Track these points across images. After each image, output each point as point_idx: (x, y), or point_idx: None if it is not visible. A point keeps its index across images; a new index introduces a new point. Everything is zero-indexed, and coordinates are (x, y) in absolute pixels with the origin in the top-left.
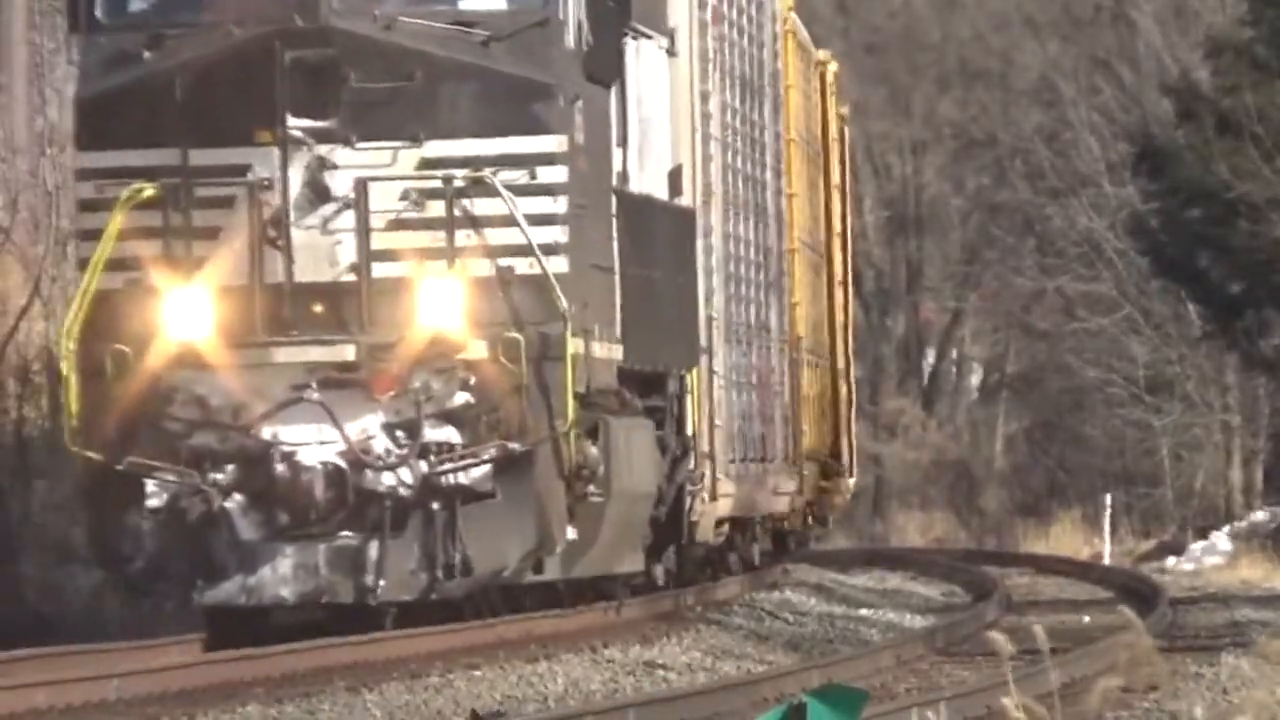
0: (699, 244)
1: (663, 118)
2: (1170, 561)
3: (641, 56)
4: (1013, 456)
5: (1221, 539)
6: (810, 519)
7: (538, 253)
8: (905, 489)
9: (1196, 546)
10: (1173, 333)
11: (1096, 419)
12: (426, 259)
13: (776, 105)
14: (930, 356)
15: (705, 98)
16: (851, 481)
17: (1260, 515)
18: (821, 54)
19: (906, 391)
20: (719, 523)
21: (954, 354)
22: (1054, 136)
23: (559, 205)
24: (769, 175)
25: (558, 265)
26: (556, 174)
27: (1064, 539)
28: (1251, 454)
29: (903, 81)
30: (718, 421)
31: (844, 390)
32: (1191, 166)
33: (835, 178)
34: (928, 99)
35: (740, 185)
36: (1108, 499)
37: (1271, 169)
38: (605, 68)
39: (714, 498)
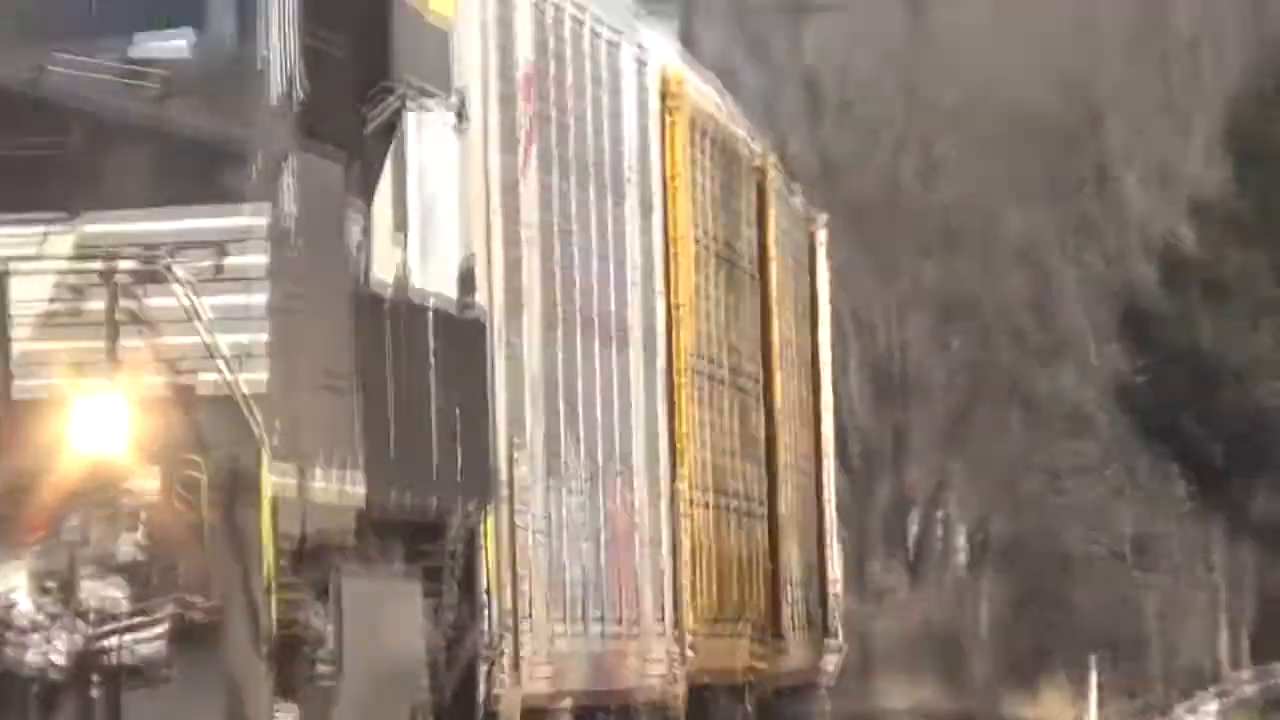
0: (498, 358)
1: (451, 203)
2: None
3: (425, 127)
4: (998, 621)
5: (1208, 703)
6: (746, 693)
7: (225, 361)
8: (891, 654)
9: (1182, 710)
10: (1159, 498)
11: (1082, 584)
12: (83, 368)
13: (648, 201)
14: (916, 522)
15: (513, 182)
16: (832, 654)
17: (1247, 680)
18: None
19: (892, 556)
20: (532, 707)
21: (940, 520)
22: (1039, 301)
23: (257, 299)
24: (630, 282)
25: (254, 377)
26: (253, 258)
27: (1051, 703)
28: (1238, 618)
29: (887, 246)
30: (524, 574)
31: (821, 549)
32: (1177, 330)
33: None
34: (912, 264)
35: (576, 292)
36: (1093, 663)
37: (1256, 333)
38: (333, 127)
39: (521, 672)
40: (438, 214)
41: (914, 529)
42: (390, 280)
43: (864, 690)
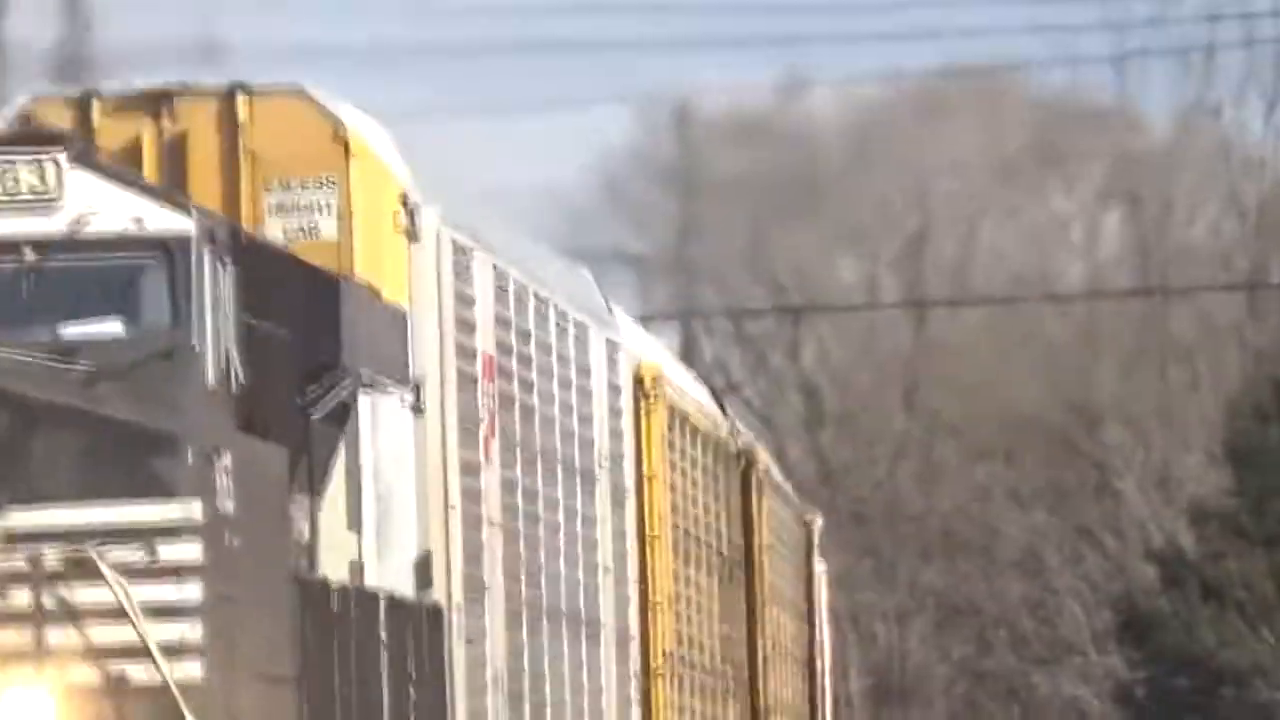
0: (457, 650)
1: (407, 492)
2: None
3: (380, 414)
4: None
5: None
6: None
7: (156, 655)
8: None
9: None
10: None
11: None
12: (8, 663)
13: (621, 492)
14: None
15: (473, 470)
16: None
17: None
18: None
19: None
20: None
21: None
22: (1038, 605)
23: (190, 592)
24: (600, 575)
25: (187, 672)
26: (186, 551)
27: None
28: None
29: (887, 551)
30: None
31: None
32: (1176, 634)
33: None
34: (911, 569)
35: (543, 584)
36: None
37: (1256, 636)
38: (276, 414)
39: None
40: (394, 505)
41: None
42: (344, 574)
43: None
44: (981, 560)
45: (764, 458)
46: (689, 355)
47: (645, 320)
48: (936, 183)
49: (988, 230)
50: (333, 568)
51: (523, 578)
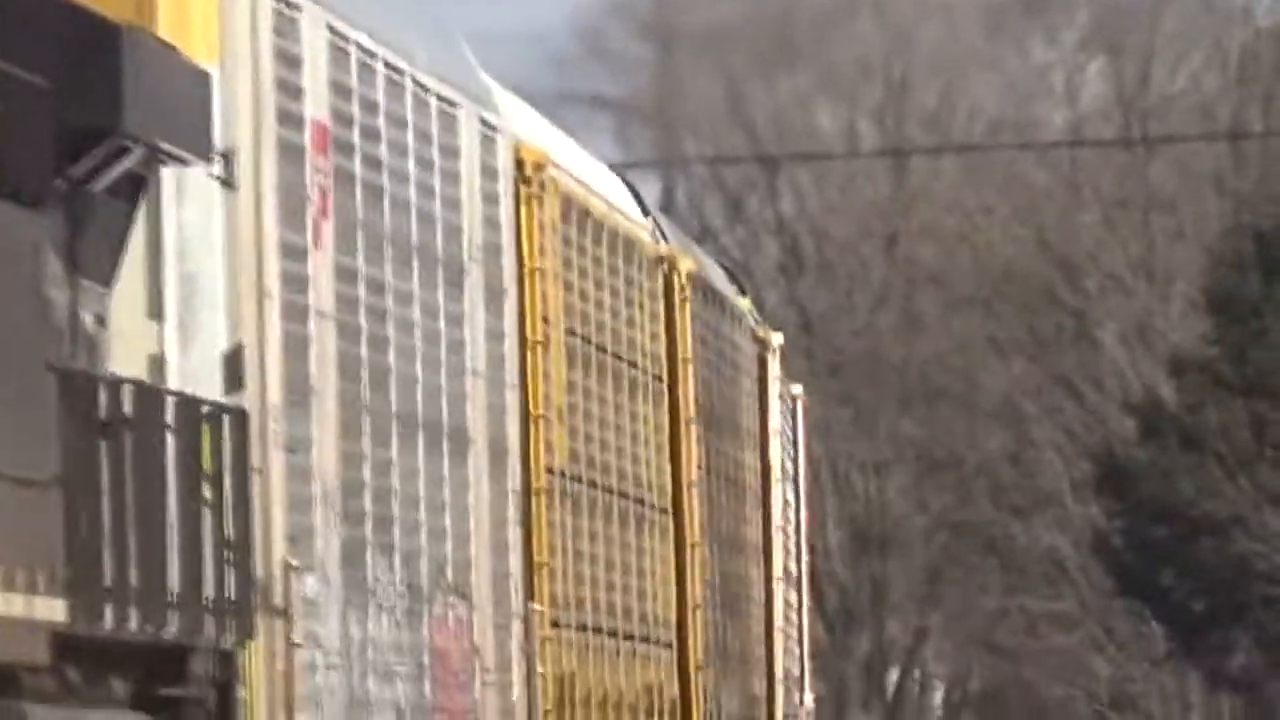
0: (273, 459)
1: (216, 278)
2: None
3: (186, 189)
4: None
5: None
6: None
7: None
8: None
9: None
10: (1136, 650)
11: None
12: None
13: (496, 292)
14: (894, 674)
15: (298, 254)
16: None
17: None
18: (795, 389)
19: (870, 709)
20: None
21: (918, 672)
22: (1017, 455)
23: None
24: (469, 383)
25: None
26: None
27: None
28: None
29: (866, 402)
30: (305, 714)
31: (770, 693)
32: (1155, 484)
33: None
34: (890, 418)
35: (392, 388)
36: None
37: (1235, 486)
38: (27, 182)
39: None
40: (200, 291)
41: (892, 680)
42: (141, 369)
43: None
44: (961, 410)
45: (693, 264)
46: (668, 203)
47: (624, 168)
48: (918, 31)
49: (969, 79)
50: (125, 361)
51: (364, 379)
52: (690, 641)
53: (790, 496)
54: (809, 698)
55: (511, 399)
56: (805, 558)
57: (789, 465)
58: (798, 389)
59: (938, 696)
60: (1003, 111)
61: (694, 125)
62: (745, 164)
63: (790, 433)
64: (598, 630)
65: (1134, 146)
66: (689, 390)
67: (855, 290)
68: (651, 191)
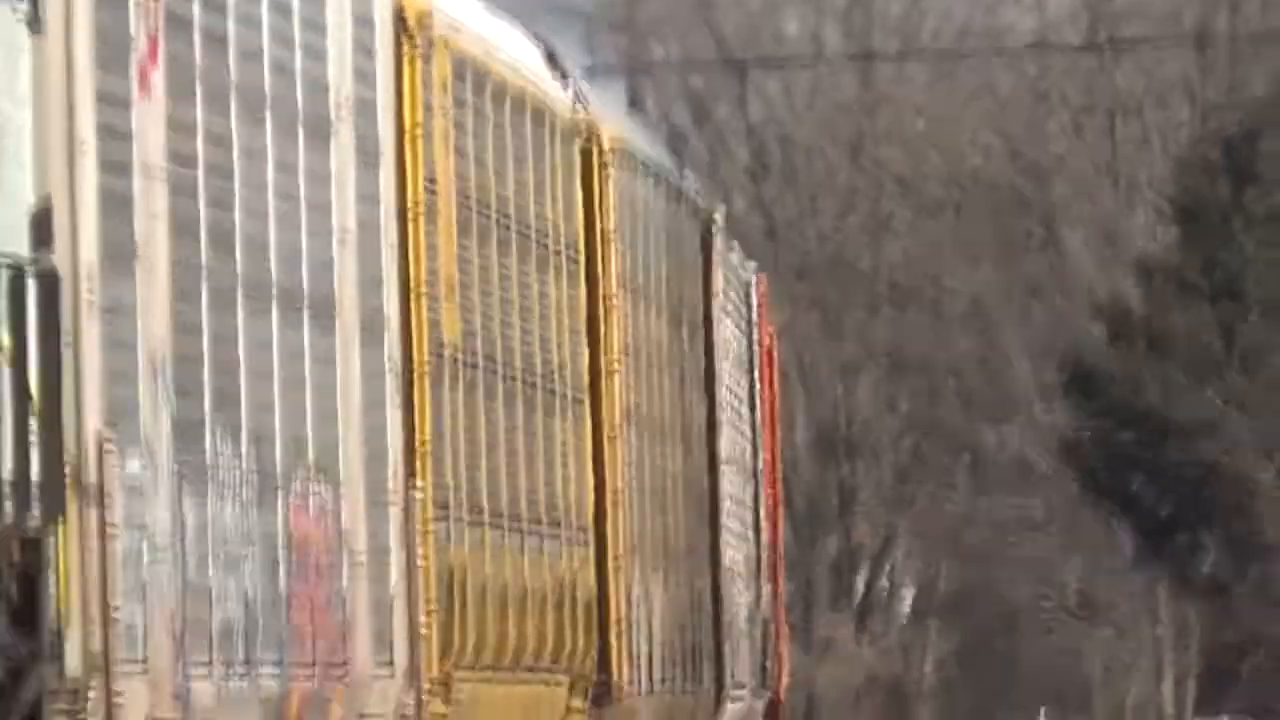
0: (87, 329)
1: (22, 131)
2: None
3: None
4: (944, 676)
5: None
6: None
7: None
8: (837, 708)
9: None
10: (1104, 554)
11: (1028, 639)
12: None
13: (371, 152)
14: (862, 577)
15: (121, 103)
16: (737, 708)
17: None
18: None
19: (839, 611)
20: None
21: (886, 575)
22: (985, 360)
23: None
24: (337, 250)
25: None
26: None
27: None
28: (1183, 673)
29: (834, 306)
30: (125, 602)
31: (715, 589)
32: (1122, 389)
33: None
34: (858, 322)
35: (240, 252)
36: (1040, 716)
37: (1202, 392)
38: None
39: None
40: (6, 143)
41: (861, 582)
42: None
43: None
44: (929, 314)
45: (618, 134)
46: (635, 108)
47: (590, 72)
48: None
49: None
50: None
51: (203, 241)
52: (610, 534)
53: (742, 379)
54: (766, 591)
55: (389, 270)
56: (765, 443)
57: (741, 347)
58: (751, 266)
59: (905, 599)
60: (970, 17)
61: (661, 32)
62: (712, 70)
63: (744, 313)
64: (497, 520)
65: (1101, 51)
66: (611, 267)
67: (822, 195)
68: (619, 98)
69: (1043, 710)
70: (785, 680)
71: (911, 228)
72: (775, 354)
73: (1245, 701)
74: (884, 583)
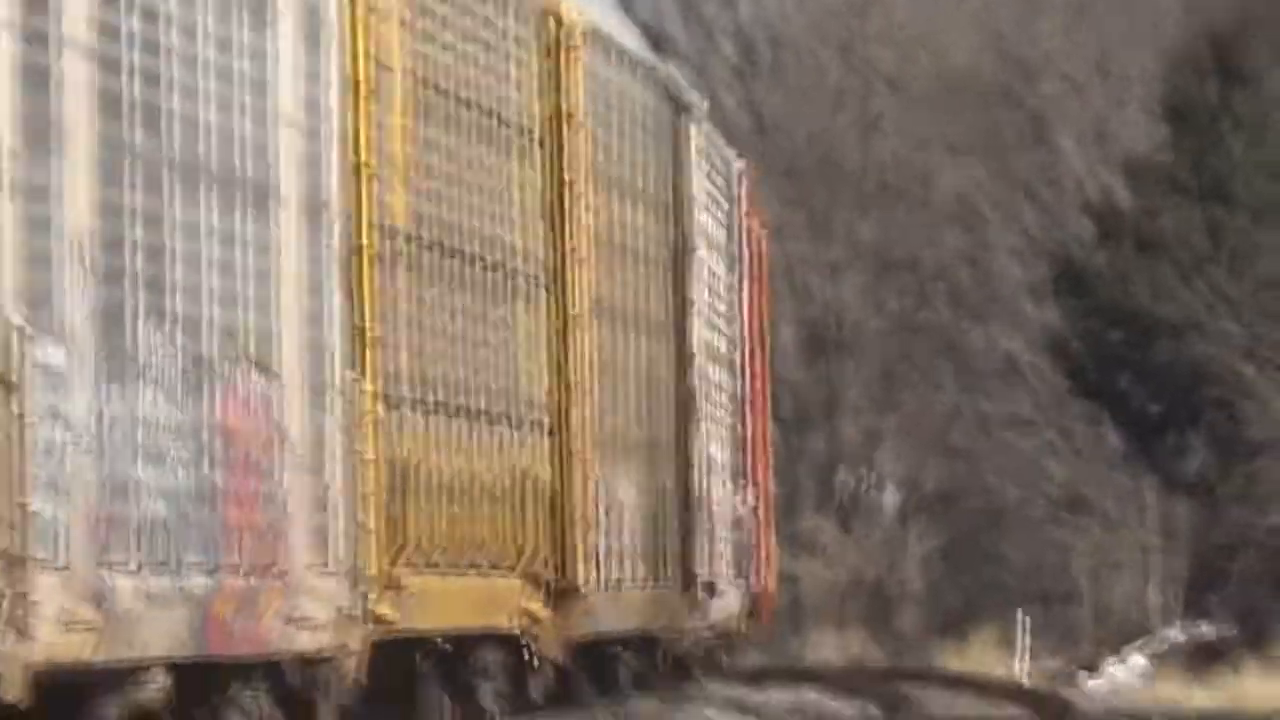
0: (3, 213)
1: None
2: (1087, 680)
3: None
4: (929, 574)
5: (1138, 658)
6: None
7: None
8: (822, 606)
9: (1113, 665)
10: (1091, 453)
11: (1014, 538)
12: None
13: (313, 27)
14: (848, 475)
15: None
16: (733, 602)
17: (1177, 634)
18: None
19: (824, 510)
20: (78, 674)
21: (872, 474)
22: (974, 258)
23: None
24: (274, 130)
25: None
26: None
27: (980, 657)
28: (1170, 573)
29: (822, 203)
30: (38, 497)
31: (686, 485)
32: (1111, 287)
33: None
34: (847, 221)
35: (170, 130)
36: (1023, 617)
37: (1190, 290)
38: None
39: (31, 627)
40: None
41: (846, 481)
42: None
43: (793, 642)
44: (917, 212)
45: (585, 17)
46: (625, 7)
47: None
48: None
49: None
50: None
51: (133, 120)
52: (571, 427)
53: (722, 269)
54: (749, 488)
55: (332, 150)
56: (752, 336)
57: (723, 238)
58: (735, 154)
59: (891, 498)
60: None
61: None
62: None
63: (728, 205)
64: (449, 410)
65: None
66: (577, 151)
67: (812, 94)
68: None
69: (1022, 612)
70: (771, 577)
71: (900, 127)
72: (764, 246)
73: (1234, 604)
74: (869, 482)
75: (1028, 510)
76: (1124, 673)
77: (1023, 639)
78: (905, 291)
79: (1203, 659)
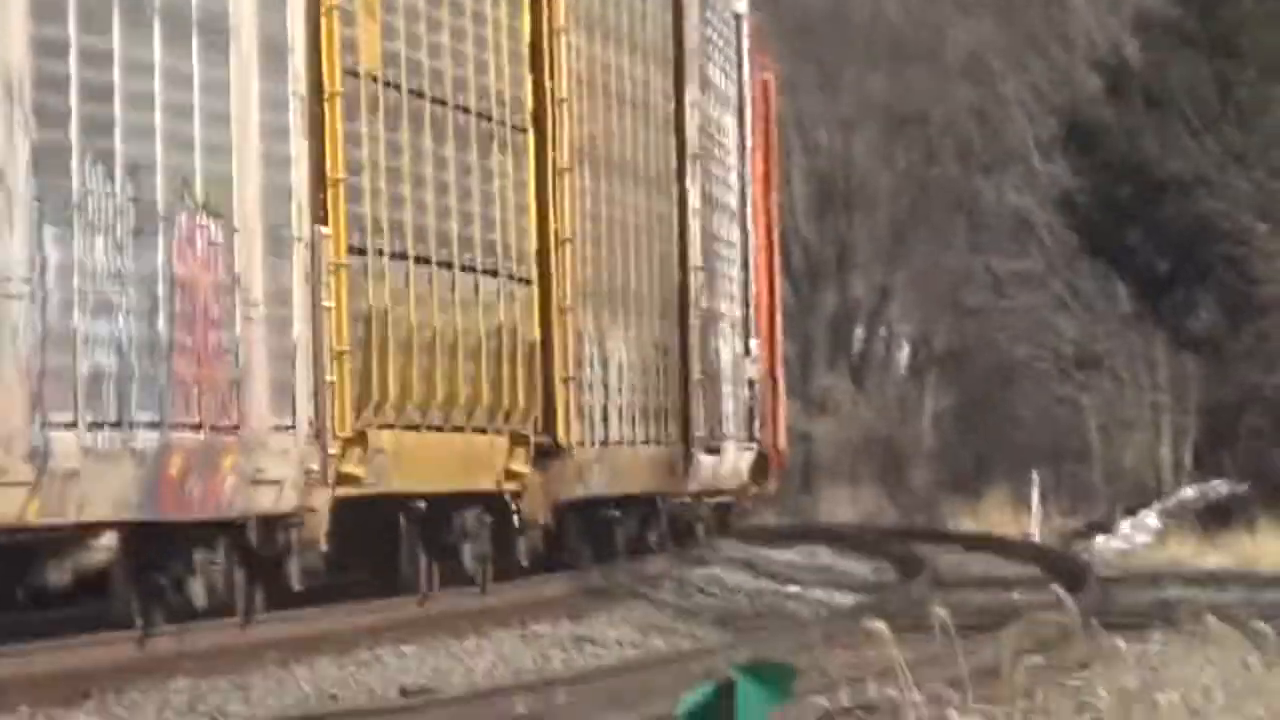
0: None
1: None
2: (1099, 540)
3: None
4: (941, 433)
5: (1150, 517)
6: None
7: None
8: (835, 465)
9: (1125, 524)
10: (1102, 310)
11: (1025, 396)
12: None
13: None
14: (860, 333)
15: None
16: (739, 461)
17: (1189, 493)
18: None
19: (836, 368)
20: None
21: (883, 331)
22: (984, 113)
23: None
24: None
25: None
26: None
27: (993, 516)
28: (1181, 432)
29: (832, 59)
30: None
31: (684, 342)
32: (1120, 143)
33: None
34: (858, 76)
35: None
36: (1036, 477)
37: (1200, 146)
38: None
39: None
40: None
41: (858, 338)
42: None
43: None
44: (928, 67)
45: None
46: None
47: None
48: None
49: None
50: None
51: None
52: (556, 279)
53: (727, 120)
54: (754, 344)
55: None
56: (759, 188)
57: (726, 86)
58: (742, 5)
59: (903, 355)
60: None
61: None
62: None
63: (731, 53)
64: (423, 262)
65: None
66: (560, 5)
67: None
68: None
69: (1035, 471)
70: (781, 435)
71: None
72: (771, 92)
73: (1244, 462)
74: (881, 339)
75: (1038, 367)
76: (1136, 531)
77: (1036, 497)
78: (915, 146)
79: (1215, 518)
